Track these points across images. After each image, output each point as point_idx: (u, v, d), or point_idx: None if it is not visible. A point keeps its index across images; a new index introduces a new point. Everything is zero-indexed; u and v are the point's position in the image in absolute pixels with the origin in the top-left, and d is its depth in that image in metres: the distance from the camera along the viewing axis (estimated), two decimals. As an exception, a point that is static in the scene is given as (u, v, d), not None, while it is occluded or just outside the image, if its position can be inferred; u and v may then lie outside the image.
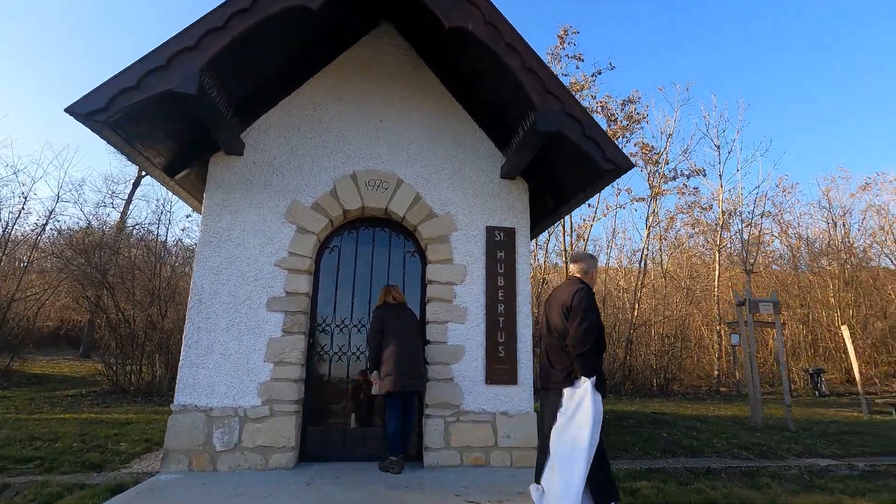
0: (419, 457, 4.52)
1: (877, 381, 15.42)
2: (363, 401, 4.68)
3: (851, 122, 40.21)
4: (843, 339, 10.94)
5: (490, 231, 4.97)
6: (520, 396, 4.65)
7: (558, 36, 14.35)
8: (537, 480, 3.01)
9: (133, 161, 4.49)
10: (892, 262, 19.31)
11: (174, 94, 3.63)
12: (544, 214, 5.66)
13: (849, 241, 19.55)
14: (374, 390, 4.20)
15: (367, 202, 4.85)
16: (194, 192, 5.22)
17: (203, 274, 4.45)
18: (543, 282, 15.97)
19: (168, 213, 24.73)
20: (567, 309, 3.03)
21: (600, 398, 2.94)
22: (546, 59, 14.38)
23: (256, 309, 4.45)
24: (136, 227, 17.66)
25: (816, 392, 14.77)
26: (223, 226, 4.59)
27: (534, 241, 16.42)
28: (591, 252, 3.19)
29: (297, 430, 4.33)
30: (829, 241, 19.76)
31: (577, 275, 3.31)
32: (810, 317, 17.98)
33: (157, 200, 29.31)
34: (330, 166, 4.91)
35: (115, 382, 9.48)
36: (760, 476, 4.56)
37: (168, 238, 18.76)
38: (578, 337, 2.91)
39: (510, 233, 5.00)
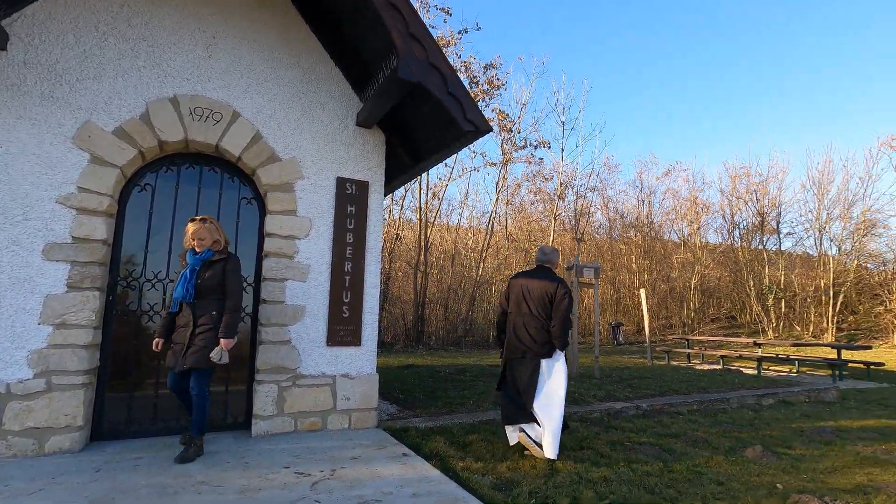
0: (247, 425, 4.13)
1: (657, 332, 19.07)
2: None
3: (672, 112, 47.44)
4: (640, 299, 13.13)
5: (341, 182, 4.57)
6: (362, 358, 4.50)
7: (429, -16, 13.81)
8: (512, 423, 3.82)
9: None
10: (677, 236, 23.71)
11: None
12: (401, 170, 5.42)
13: (650, 218, 23.38)
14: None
15: (193, 135, 4.04)
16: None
17: (-62, 207, 3.27)
18: (397, 238, 15.99)
19: None
20: (551, 298, 3.87)
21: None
22: (414, 5, 13.80)
23: (27, 257, 3.45)
24: None
25: (615, 341, 17.73)
26: (-28, 143, 3.40)
27: (388, 196, 16.22)
28: (544, 245, 3.83)
29: (88, 406, 3.56)
30: (637, 216, 23.37)
31: (549, 266, 4.11)
32: (616, 279, 21.27)
33: None
34: (141, 84, 3.94)
35: None
36: (572, 420, 5.18)
37: None
38: (562, 323, 3.84)
39: (363, 186, 4.66)
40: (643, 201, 23.64)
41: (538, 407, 3.77)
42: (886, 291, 18.25)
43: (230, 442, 3.81)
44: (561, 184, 19.16)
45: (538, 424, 3.75)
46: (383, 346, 13.36)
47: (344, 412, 4.33)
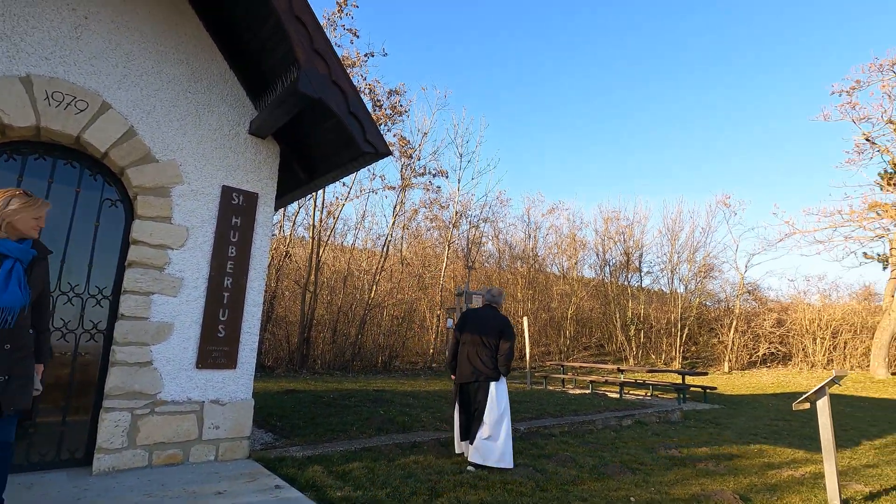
0: (88, 460, 3.56)
1: (537, 358, 20.29)
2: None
3: (558, 156, 51.83)
4: (523, 327, 13.90)
5: (227, 191, 4.27)
6: (237, 381, 4.15)
7: (338, 3, 13.77)
8: (468, 439, 4.47)
9: None
10: (558, 269, 25.71)
11: None
12: (295, 185, 5.22)
13: (535, 251, 25.12)
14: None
15: (48, 122, 3.52)
16: None
17: None
18: (287, 255, 15.23)
19: None
20: (500, 332, 4.62)
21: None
22: (321, 22, 13.63)
23: None
24: None
25: (499, 367, 18.47)
26: None
27: (280, 210, 15.47)
28: (493, 287, 4.62)
29: None
30: (523, 249, 24.95)
31: (496, 306, 4.93)
32: (502, 306, 22.34)
33: None
34: (-17, 56, 3.36)
35: None
36: (452, 445, 5.26)
37: None
38: (508, 353, 4.59)
39: (252, 198, 4.40)
40: (530, 235, 25.36)
41: (489, 422, 4.38)
42: (719, 325, 21.49)
43: (63, 482, 3.24)
44: (456, 213, 19.85)
45: (489, 442, 4.36)
46: (264, 371, 12.46)
47: (211, 442, 3.93)
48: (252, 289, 4.32)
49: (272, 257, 14.36)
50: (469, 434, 4.48)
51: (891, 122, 19.46)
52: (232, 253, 4.23)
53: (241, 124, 4.45)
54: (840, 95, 19.94)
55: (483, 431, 4.36)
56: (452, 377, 4.82)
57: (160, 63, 4.08)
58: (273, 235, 15.26)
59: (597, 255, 25.22)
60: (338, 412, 6.44)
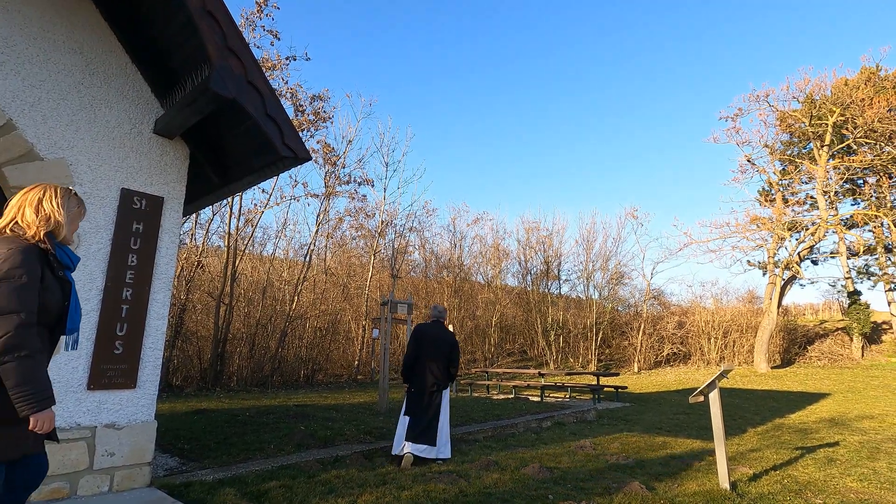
0: (-53, 503, 3.06)
1: (463, 366, 20.55)
2: None
3: (482, 167, 53.19)
4: (448, 335, 14.03)
5: (127, 195, 3.92)
6: (137, 402, 3.79)
7: (257, 3, 13.24)
8: (415, 441, 4.90)
9: None
10: (483, 278, 26.32)
11: None
12: (207, 189, 4.90)
13: (461, 260, 25.55)
14: None
15: None
16: None
17: None
18: (199, 265, 14.21)
19: None
20: (451, 347, 5.36)
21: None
22: (239, 22, 13.03)
23: None
24: None
25: (426, 376, 18.46)
26: None
27: (193, 218, 14.46)
28: (438, 305, 5.95)
29: None
30: (449, 258, 25.28)
31: (442, 321, 5.59)
32: (429, 316, 22.42)
33: None
34: None
35: None
36: (377, 457, 5.16)
37: None
38: (456, 365, 5.41)
39: (156, 202, 4.08)
40: (455, 244, 25.77)
41: (443, 424, 5.09)
42: (629, 329, 23.12)
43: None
44: (382, 222, 19.69)
45: (430, 445, 4.95)
46: (172, 390, 11.48)
47: (104, 471, 3.55)
48: (156, 301, 3.99)
49: (182, 267, 13.33)
50: (424, 437, 4.95)
51: (766, 146, 22.24)
52: (133, 261, 3.88)
53: (144, 122, 4.12)
54: (726, 121, 22.52)
55: (441, 433, 5.05)
56: (406, 385, 5.36)
57: (48, 51, 3.68)
58: (183, 244, 14.19)
59: (519, 264, 26.17)
60: (254, 430, 6.09)
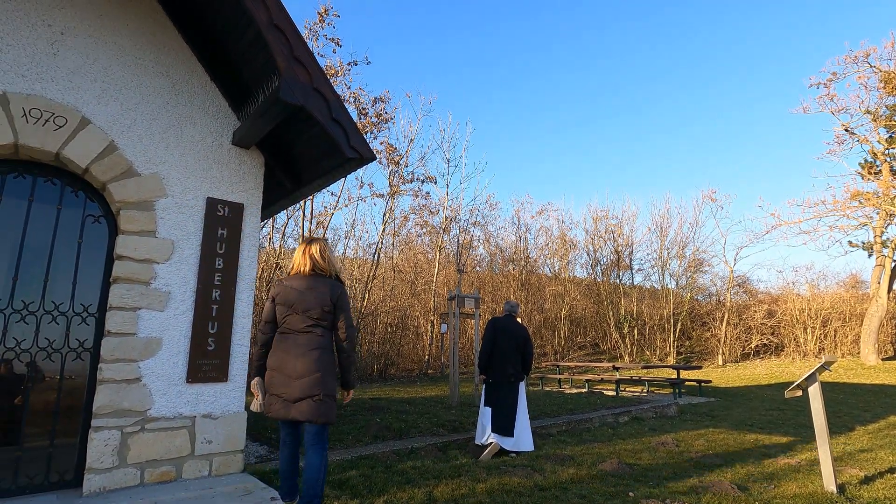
0: (78, 482, 3.49)
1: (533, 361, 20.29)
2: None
3: (546, 157, 52.15)
4: (517, 329, 13.90)
5: (212, 203, 4.24)
6: (229, 395, 4.10)
7: (319, 13, 13.79)
8: (502, 433, 5.08)
9: None
10: (549, 270, 25.80)
11: None
12: (281, 195, 5.20)
13: (526, 252, 25.19)
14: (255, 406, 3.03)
15: (26, 139, 3.48)
16: None
17: None
18: (277, 267, 15.12)
19: None
20: (525, 340, 5.44)
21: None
22: (303, 32, 13.63)
23: None
24: None
25: (495, 370, 18.43)
26: None
27: (269, 222, 15.39)
28: (511, 299, 6.43)
29: None
30: (514, 251, 25.01)
31: (515, 315, 5.64)
32: (496, 310, 22.36)
33: None
34: (-42, 75, 3.32)
35: None
36: (451, 449, 5.23)
37: None
38: (530, 358, 5.48)
39: (237, 209, 4.37)
40: (520, 237, 25.43)
41: (521, 416, 5.21)
42: (711, 319, 21.65)
43: (56, 501, 3.18)
44: (446, 218, 19.87)
45: (511, 436, 5.08)
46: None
47: (204, 457, 3.87)
48: (241, 300, 4.28)
49: (262, 269, 14.24)
50: (507, 428, 5.10)
51: (868, 113, 19.85)
52: (219, 265, 4.19)
53: (224, 135, 4.43)
54: (818, 88, 20.31)
55: (519, 424, 5.18)
56: (482, 377, 5.47)
57: (140, 76, 4.05)
58: (262, 247, 15.16)
59: (587, 254, 25.36)
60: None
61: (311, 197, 14.51)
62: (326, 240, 3.18)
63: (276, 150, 4.75)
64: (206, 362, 4.01)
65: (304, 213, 15.01)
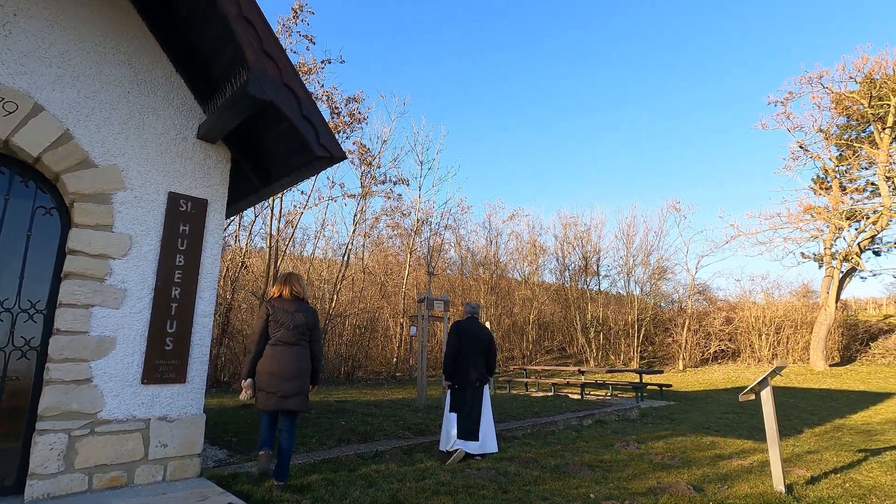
0: (19, 488, 3.30)
1: (500, 363, 20.44)
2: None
3: (518, 163, 52.72)
4: (486, 332, 14.00)
5: (174, 198, 4.10)
6: (187, 396, 3.96)
7: (293, 9, 13.55)
8: (468, 437, 5.04)
9: None
10: (519, 275, 26.06)
11: None
12: (249, 190, 5.07)
13: (497, 257, 25.38)
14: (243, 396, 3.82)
15: (-29, 124, 3.28)
16: None
17: None
18: (243, 266, 14.74)
19: None
20: (489, 342, 5.44)
21: None
22: (276, 28, 13.37)
23: None
24: None
25: (463, 373, 18.47)
26: None
27: (236, 220, 14.99)
28: (472, 301, 5.87)
29: None
30: (485, 255, 25.17)
31: (477, 317, 5.60)
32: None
33: None
34: None
35: None
36: (416, 452, 5.20)
37: None
38: (494, 360, 5.51)
39: (201, 205, 4.24)
40: (491, 241, 25.59)
41: (486, 419, 5.21)
42: (673, 325, 22.34)
43: (-11, 512, 2.99)
44: (418, 220, 19.82)
45: (475, 441, 5.06)
46: (219, 386, 11.97)
47: (158, 461, 3.73)
48: (203, 299, 4.15)
49: (227, 268, 13.86)
50: (471, 433, 5.07)
51: (821, 131, 20.95)
52: (180, 262, 4.05)
53: (188, 128, 4.29)
54: (775, 106, 21.31)
55: (483, 426, 5.16)
56: (448, 383, 5.33)
57: (99, 63, 3.88)
58: (228, 246, 14.75)
59: (556, 260, 25.75)
60: (298, 424, 6.25)
61: (280, 195, 14.23)
62: (300, 276, 4.12)
63: (243, 145, 4.63)
64: (164, 363, 3.86)
65: (272, 211, 14.69)
